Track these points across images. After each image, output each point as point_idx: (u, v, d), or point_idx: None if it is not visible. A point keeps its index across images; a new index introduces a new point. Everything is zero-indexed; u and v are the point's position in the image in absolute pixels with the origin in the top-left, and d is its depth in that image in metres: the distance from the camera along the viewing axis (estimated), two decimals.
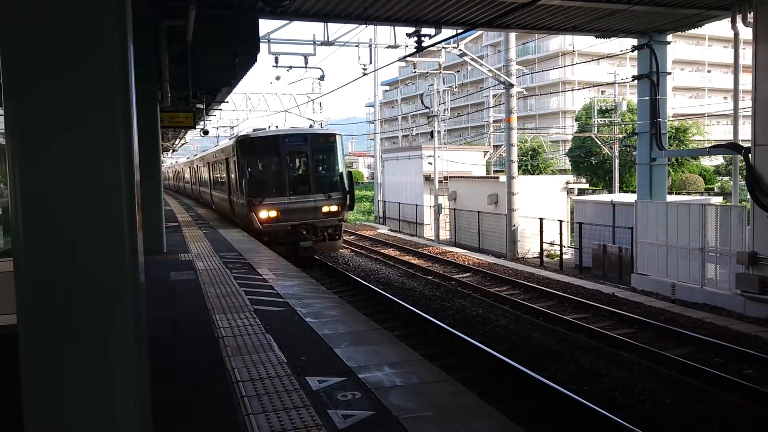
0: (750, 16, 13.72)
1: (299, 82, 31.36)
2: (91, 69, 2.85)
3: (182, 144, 53.72)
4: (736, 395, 8.25)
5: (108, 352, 2.95)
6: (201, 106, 18.87)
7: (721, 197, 31.90)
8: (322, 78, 23.51)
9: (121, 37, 2.90)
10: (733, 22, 14.22)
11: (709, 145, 35.22)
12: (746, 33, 14.09)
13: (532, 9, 14.16)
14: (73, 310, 2.88)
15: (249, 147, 17.16)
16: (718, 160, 46.93)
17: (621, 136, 37.73)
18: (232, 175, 18.09)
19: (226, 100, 25.73)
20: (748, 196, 13.90)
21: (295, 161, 17.47)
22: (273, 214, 16.35)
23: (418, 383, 4.80)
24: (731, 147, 15.18)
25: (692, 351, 10.26)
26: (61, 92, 2.82)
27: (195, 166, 33.28)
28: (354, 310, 7.53)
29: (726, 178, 44.10)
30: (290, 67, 19.88)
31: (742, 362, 9.63)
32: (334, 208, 17.00)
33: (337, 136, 17.62)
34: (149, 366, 3.24)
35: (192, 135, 44.56)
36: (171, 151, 56.44)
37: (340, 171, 17.52)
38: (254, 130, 18.97)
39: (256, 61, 14.97)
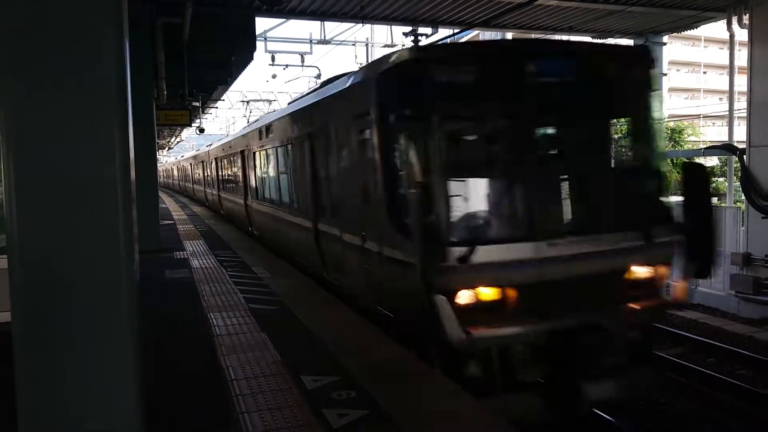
0: (745, 18, 13.76)
1: (296, 81, 31.12)
2: (88, 68, 2.85)
3: (178, 142, 53.59)
4: (729, 395, 8.28)
5: (104, 350, 2.95)
6: (197, 104, 18.87)
7: (716, 198, 32.00)
8: (318, 77, 23.46)
9: (118, 36, 2.90)
10: (729, 24, 14.26)
11: (705, 146, 35.34)
12: (742, 34, 14.14)
13: (529, 9, 14.17)
14: (68, 309, 2.88)
15: (428, 82, 5.49)
16: (713, 161, 47.07)
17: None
18: (353, 172, 6.96)
19: (222, 98, 25.69)
20: (743, 197, 13.95)
21: (555, 128, 6.34)
22: (496, 290, 5.33)
23: (413, 382, 4.80)
24: (726, 148, 15.23)
25: (686, 351, 10.30)
26: (57, 90, 2.82)
27: (218, 157, 20.00)
28: (348, 310, 7.51)
29: (721, 179, 44.24)
30: (287, 66, 19.87)
31: (735, 362, 9.67)
32: (648, 271, 6.06)
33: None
34: (145, 364, 3.24)
35: (188, 133, 44.48)
36: (167, 149, 56.30)
37: (659, 158, 6.68)
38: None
39: (252, 59, 14.99)
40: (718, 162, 45.60)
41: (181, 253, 12.65)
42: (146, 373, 3.24)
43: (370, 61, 16.03)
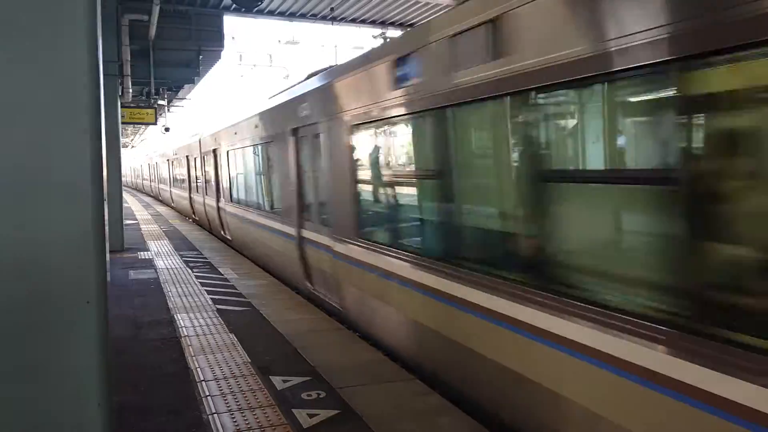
0: None
1: (264, 81, 30.83)
2: (59, 64, 2.82)
3: (142, 141, 52.72)
4: None
5: (72, 352, 2.91)
6: (163, 102, 18.62)
7: None
8: (287, 78, 23.37)
9: (90, 32, 2.88)
10: None
11: None
12: None
13: None
14: (37, 309, 2.84)
15: None
16: None
17: None
18: None
19: (188, 97, 25.37)
20: None
21: None
22: None
23: (383, 382, 4.84)
24: None
25: None
26: (26, 86, 2.78)
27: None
28: (316, 310, 7.52)
29: None
30: (255, 65, 19.78)
31: None
32: None
33: None
34: (113, 366, 3.21)
35: (152, 132, 43.81)
36: (130, 147, 55.37)
37: None
38: None
39: (220, 58, 14.88)
40: None
41: (145, 253, 12.47)
42: (113, 375, 3.22)
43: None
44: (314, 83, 7.44)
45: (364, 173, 6.04)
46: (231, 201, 12.66)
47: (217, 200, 14.11)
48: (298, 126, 7.82)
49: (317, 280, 7.64)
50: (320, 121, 6.98)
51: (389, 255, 5.44)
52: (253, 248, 11.19)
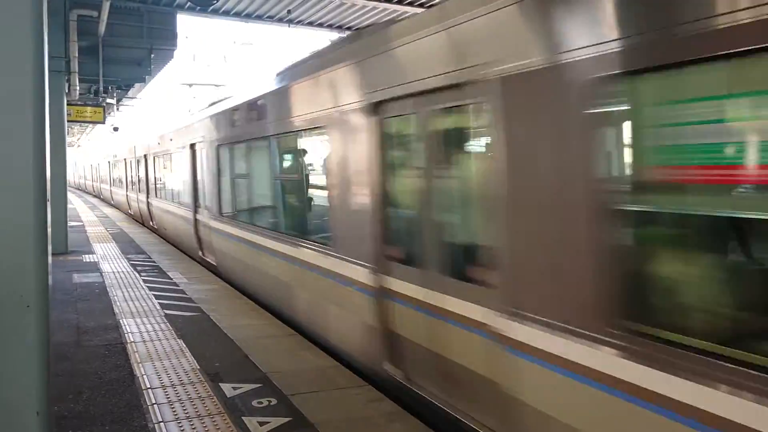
0: None
1: (219, 83, 30.20)
2: (2, 57, 2.69)
3: (88, 140, 51.16)
4: None
5: (10, 358, 2.78)
6: (112, 101, 18.12)
7: None
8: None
9: (36, 29, 2.76)
10: None
11: None
12: None
13: None
14: None
15: None
16: None
17: None
18: None
19: (139, 96, 24.76)
20: None
21: None
22: None
23: (335, 389, 4.80)
24: None
25: None
26: None
27: None
28: (269, 315, 7.42)
29: None
30: (209, 65, 19.46)
31: None
32: None
33: None
34: (53, 373, 3.08)
35: (99, 131, 42.58)
36: (76, 146, 53.71)
37: None
38: None
39: (172, 57, 14.58)
40: None
41: (90, 256, 12.10)
42: (54, 382, 3.09)
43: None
44: (201, 114, 10.81)
45: (222, 175, 9.45)
46: (156, 197, 15.69)
47: (147, 196, 16.94)
48: (194, 142, 10.95)
49: (205, 248, 10.68)
50: (203, 141, 10.23)
51: (234, 226, 8.83)
52: (168, 231, 14.15)
